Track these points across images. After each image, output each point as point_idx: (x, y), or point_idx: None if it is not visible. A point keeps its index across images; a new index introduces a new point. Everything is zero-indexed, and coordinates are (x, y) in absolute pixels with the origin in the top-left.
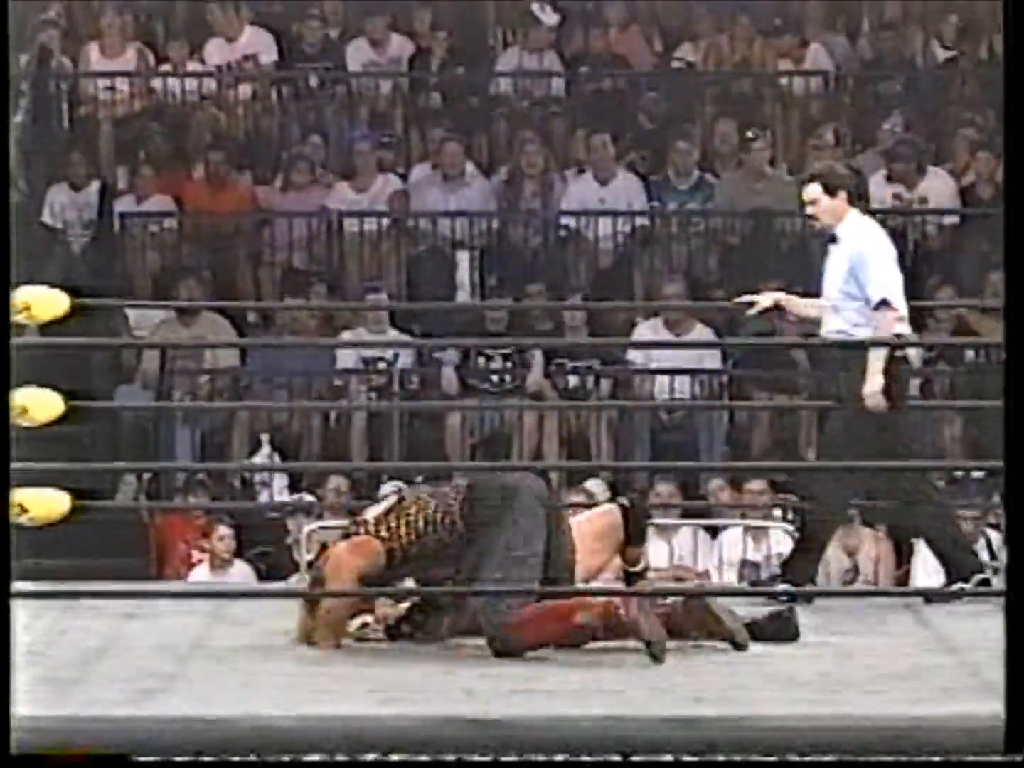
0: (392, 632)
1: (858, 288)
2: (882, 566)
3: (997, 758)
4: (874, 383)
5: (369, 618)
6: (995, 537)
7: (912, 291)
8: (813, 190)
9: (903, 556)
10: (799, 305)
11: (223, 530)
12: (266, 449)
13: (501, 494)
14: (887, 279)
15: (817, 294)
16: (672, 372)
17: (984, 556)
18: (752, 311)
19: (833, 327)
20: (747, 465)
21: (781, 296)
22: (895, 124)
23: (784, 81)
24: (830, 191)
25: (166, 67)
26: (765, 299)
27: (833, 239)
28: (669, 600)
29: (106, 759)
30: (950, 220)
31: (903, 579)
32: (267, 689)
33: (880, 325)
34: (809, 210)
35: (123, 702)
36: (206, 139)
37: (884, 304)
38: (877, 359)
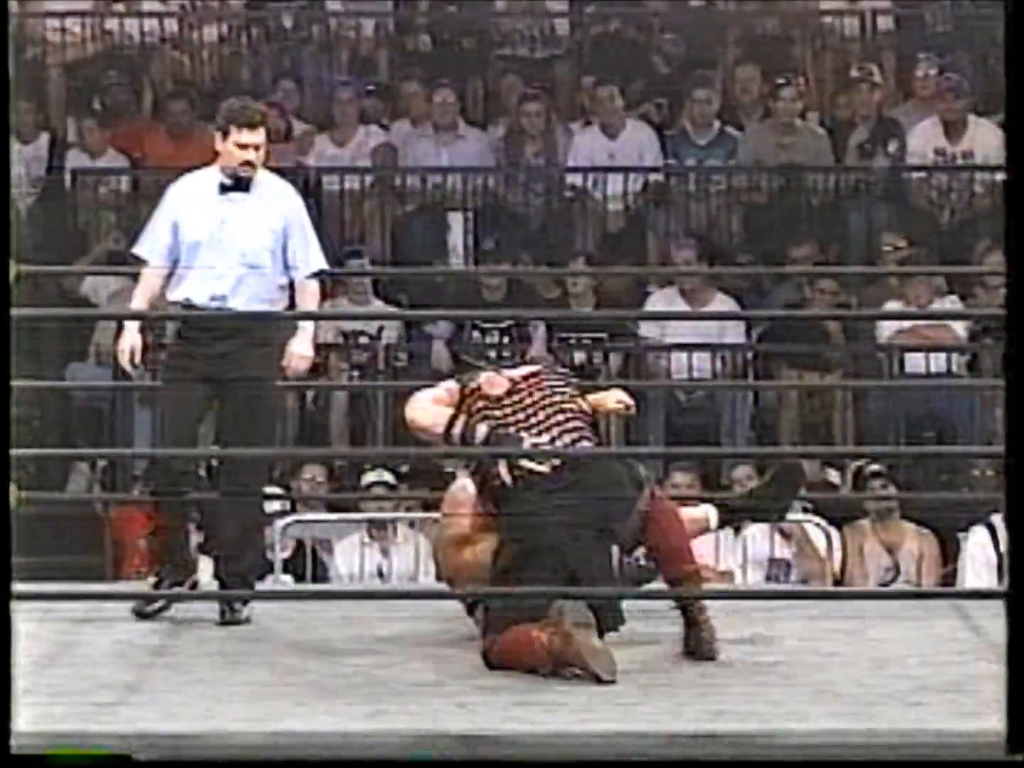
0: None
1: (282, 250)
2: (925, 564)
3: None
4: (305, 346)
5: None
6: None
7: (959, 255)
8: (262, 135)
9: (949, 554)
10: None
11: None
12: None
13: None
14: (318, 248)
15: (847, 256)
16: (690, 347)
17: None
18: None
19: (250, 292)
20: (773, 451)
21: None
22: (933, 67)
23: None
24: (270, 137)
25: (122, 6)
26: None
27: (243, 186)
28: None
29: (106, 759)
30: (1002, 177)
31: (949, 578)
32: (236, 702)
33: (307, 295)
34: (252, 156)
35: (76, 716)
36: (168, 87)
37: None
38: (308, 325)
